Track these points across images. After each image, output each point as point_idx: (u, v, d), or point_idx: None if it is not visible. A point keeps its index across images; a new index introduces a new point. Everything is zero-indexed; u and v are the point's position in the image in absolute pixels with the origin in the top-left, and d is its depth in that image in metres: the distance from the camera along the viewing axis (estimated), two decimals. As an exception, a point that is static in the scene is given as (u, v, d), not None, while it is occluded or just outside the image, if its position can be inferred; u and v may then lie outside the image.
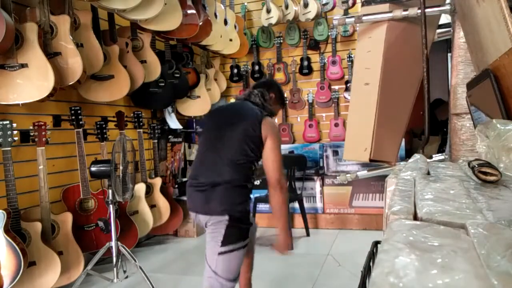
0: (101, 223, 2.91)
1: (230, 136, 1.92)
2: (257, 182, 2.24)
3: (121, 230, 3.03)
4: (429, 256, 0.47)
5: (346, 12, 4.12)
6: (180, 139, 4.31)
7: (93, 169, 2.56)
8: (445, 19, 2.64)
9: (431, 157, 2.25)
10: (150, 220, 3.43)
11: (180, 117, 4.33)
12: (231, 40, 4.33)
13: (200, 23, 3.65)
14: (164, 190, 3.69)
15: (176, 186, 4.13)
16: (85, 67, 2.72)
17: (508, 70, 1.13)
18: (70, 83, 2.67)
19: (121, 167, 2.59)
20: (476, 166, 0.96)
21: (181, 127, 4.24)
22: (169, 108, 4.18)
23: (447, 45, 4.62)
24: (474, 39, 1.61)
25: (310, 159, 4.28)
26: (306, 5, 4.35)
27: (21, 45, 2.41)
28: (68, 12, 2.77)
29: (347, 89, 4.41)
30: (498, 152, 1.03)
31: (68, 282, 2.62)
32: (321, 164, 4.30)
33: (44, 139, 2.59)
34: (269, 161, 1.90)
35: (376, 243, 1.10)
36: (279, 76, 4.69)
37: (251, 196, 2.00)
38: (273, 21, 4.39)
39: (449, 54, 4.65)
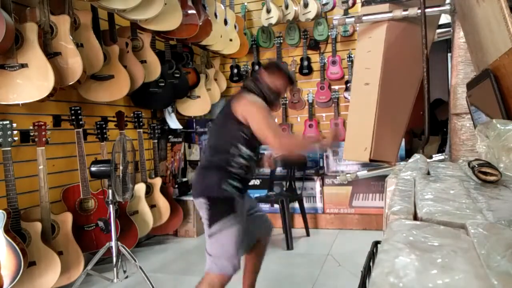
0: (101, 223, 2.91)
1: (214, 125, 2.11)
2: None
3: (121, 230, 3.03)
4: (429, 256, 0.47)
5: (346, 12, 4.11)
6: (180, 139, 4.31)
7: (93, 169, 2.56)
8: (445, 19, 2.64)
9: (431, 157, 2.25)
10: (150, 220, 3.43)
11: (180, 117, 4.33)
12: (231, 40, 4.33)
13: (200, 23, 3.65)
14: (164, 190, 3.69)
15: (176, 186, 4.13)
16: (85, 67, 2.72)
17: (508, 70, 1.13)
18: (70, 83, 2.67)
19: (121, 167, 2.59)
20: (476, 166, 0.96)
21: (181, 127, 4.24)
22: (169, 108, 4.18)
23: (447, 45, 4.62)
24: (474, 39, 1.61)
25: (310, 159, 4.28)
26: (306, 5, 4.35)
27: (21, 45, 2.41)
28: (68, 12, 2.77)
29: (347, 89, 4.41)
30: (498, 152, 1.03)
31: (68, 282, 2.62)
32: (321, 164, 4.30)
33: (44, 139, 2.59)
34: (257, 133, 1.92)
35: (376, 243, 1.10)
36: (279, 76, 4.69)
37: (236, 177, 1.97)
38: (273, 21, 4.39)
39: (449, 54, 4.64)
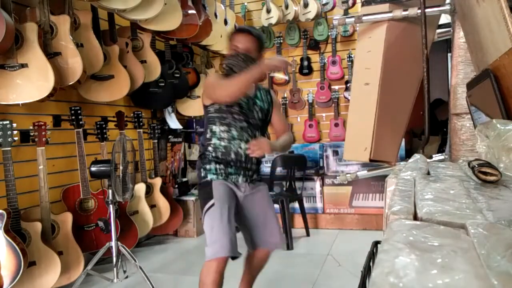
0: (101, 223, 2.91)
1: None
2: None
3: (121, 230, 3.03)
4: (429, 256, 0.47)
5: (346, 12, 4.12)
6: (180, 139, 4.31)
7: (93, 169, 2.56)
8: (445, 19, 2.64)
9: (431, 157, 2.25)
10: (150, 220, 3.43)
11: (180, 117, 4.33)
12: (231, 40, 4.33)
13: (200, 23, 3.65)
14: (164, 190, 3.69)
15: (176, 186, 4.13)
16: (85, 67, 2.71)
17: (508, 70, 1.13)
18: (70, 83, 2.67)
19: (121, 167, 2.59)
20: (476, 166, 0.96)
21: (181, 127, 4.24)
22: (169, 108, 4.18)
23: (447, 45, 4.63)
24: (474, 39, 1.61)
25: (310, 159, 4.28)
26: (306, 5, 4.35)
27: (21, 45, 2.41)
28: (68, 12, 2.77)
29: (347, 89, 4.41)
30: (498, 152, 1.03)
31: (68, 282, 2.62)
32: (321, 164, 4.30)
33: (44, 139, 2.59)
34: (211, 99, 1.99)
35: (376, 243, 1.10)
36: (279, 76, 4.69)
37: (214, 159, 1.97)
38: (273, 21, 4.39)
39: (449, 54, 4.65)
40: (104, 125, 3.18)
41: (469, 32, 1.74)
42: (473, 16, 1.55)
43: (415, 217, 0.68)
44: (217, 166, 1.95)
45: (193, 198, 4.01)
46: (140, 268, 2.61)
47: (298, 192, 4.02)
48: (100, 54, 2.94)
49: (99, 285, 2.81)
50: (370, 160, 2.31)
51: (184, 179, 4.29)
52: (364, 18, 2.33)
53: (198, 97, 4.30)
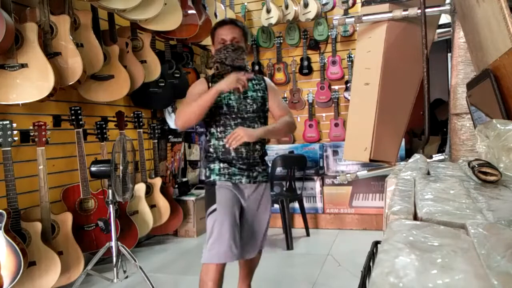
0: (101, 223, 2.91)
1: None
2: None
3: (121, 230, 3.03)
4: (429, 256, 0.47)
5: (346, 12, 4.12)
6: (180, 139, 4.31)
7: (93, 169, 2.56)
8: (445, 19, 2.64)
9: (431, 157, 2.25)
10: (150, 220, 3.43)
11: (180, 117, 4.32)
12: (231, 40, 4.33)
13: (200, 23, 3.66)
14: (164, 190, 3.69)
15: (176, 186, 4.13)
16: (85, 67, 2.71)
17: (508, 70, 1.13)
18: (70, 83, 2.67)
19: (121, 167, 2.59)
20: (476, 166, 0.96)
21: (181, 127, 4.23)
22: (169, 108, 4.18)
23: (447, 45, 4.63)
24: (474, 39, 1.61)
25: (310, 159, 4.28)
26: (306, 5, 4.35)
27: (21, 45, 2.41)
28: (68, 12, 2.77)
29: (347, 89, 4.41)
30: (498, 152, 1.03)
31: (68, 282, 2.62)
32: (321, 164, 4.30)
33: (44, 139, 2.59)
34: None
35: (376, 243, 1.10)
36: (279, 76, 4.69)
37: (216, 158, 2.00)
38: (273, 21, 4.39)
39: (449, 54, 4.65)
40: (104, 125, 3.18)
41: (469, 32, 1.74)
42: (473, 16, 1.55)
43: (415, 217, 0.68)
44: (221, 165, 1.96)
45: (193, 198, 4.01)
46: (140, 268, 2.61)
47: (298, 192, 4.02)
48: (100, 54, 2.94)
49: (99, 285, 2.81)
50: (370, 160, 2.31)
51: (184, 179, 4.29)
52: (364, 18, 2.33)
53: (198, 97, 4.29)
